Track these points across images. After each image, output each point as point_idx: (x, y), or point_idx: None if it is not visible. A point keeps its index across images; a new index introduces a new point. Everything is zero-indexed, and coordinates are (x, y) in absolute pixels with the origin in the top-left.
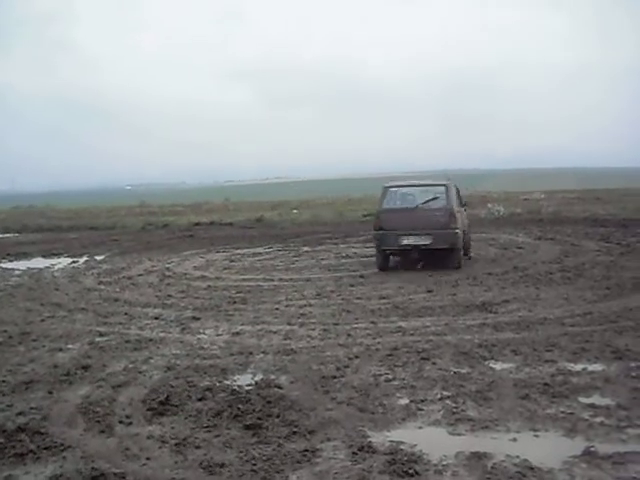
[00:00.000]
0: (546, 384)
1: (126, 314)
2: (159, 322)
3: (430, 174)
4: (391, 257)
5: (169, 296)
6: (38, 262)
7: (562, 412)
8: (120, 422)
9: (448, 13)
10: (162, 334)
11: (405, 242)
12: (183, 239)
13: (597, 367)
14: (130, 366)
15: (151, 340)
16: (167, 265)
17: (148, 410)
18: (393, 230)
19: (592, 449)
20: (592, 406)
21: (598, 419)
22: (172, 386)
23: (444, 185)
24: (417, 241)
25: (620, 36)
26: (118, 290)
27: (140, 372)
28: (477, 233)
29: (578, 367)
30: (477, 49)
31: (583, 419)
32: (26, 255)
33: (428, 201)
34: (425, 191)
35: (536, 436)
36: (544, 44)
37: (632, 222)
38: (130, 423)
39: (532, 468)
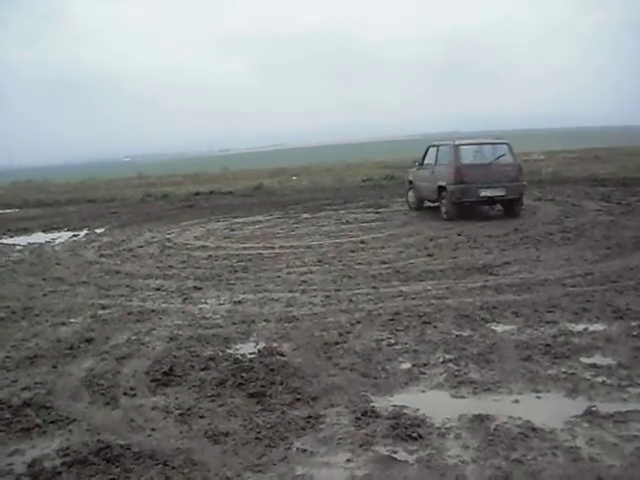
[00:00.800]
0: (548, 345)
1: (128, 286)
2: (161, 293)
3: (431, 137)
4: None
5: (170, 267)
6: (39, 237)
7: (564, 373)
8: (124, 394)
9: None
10: (164, 305)
11: (484, 194)
12: (183, 209)
13: (598, 327)
14: (133, 338)
15: (153, 311)
16: (167, 236)
17: (152, 381)
18: (473, 183)
19: (594, 409)
20: (593, 366)
21: (599, 379)
22: (175, 357)
23: (506, 144)
24: (494, 192)
25: None
26: (119, 262)
27: (143, 344)
28: None
29: (579, 327)
30: (463, 8)
31: (585, 379)
32: (26, 230)
33: (499, 157)
34: (490, 149)
35: (538, 397)
36: (526, 3)
37: (632, 181)
38: (134, 395)
39: (534, 429)
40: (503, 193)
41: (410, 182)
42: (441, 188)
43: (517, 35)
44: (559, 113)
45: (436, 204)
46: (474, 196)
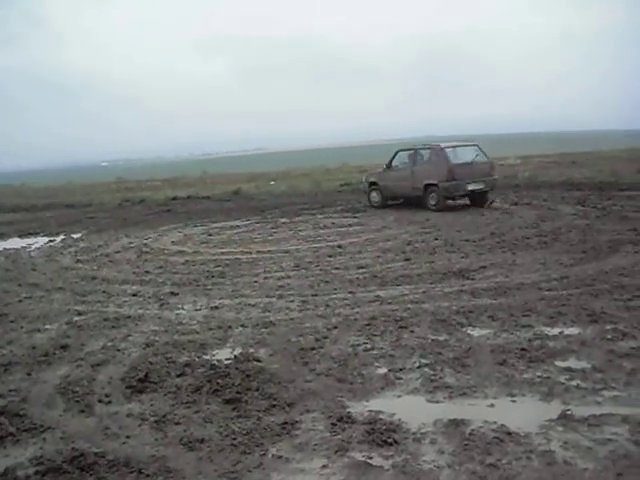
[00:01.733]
0: (523, 349)
1: (104, 292)
2: (137, 299)
3: (411, 141)
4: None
5: (147, 272)
6: (14, 242)
7: (539, 376)
8: (99, 401)
9: None
10: (140, 311)
11: (470, 187)
12: (160, 214)
13: (573, 330)
14: (109, 344)
15: (129, 317)
16: (144, 241)
17: (127, 388)
18: (462, 179)
19: (568, 412)
20: (568, 370)
21: (574, 382)
22: (151, 363)
23: (477, 145)
24: (476, 186)
25: (593, 5)
26: (96, 268)
27: (119, 350)
28: (453, 199)
29: (555, 331)
30: (448, 15)
31: (559, 383)
32: (2, 235)
33: (476, 156)
34: (465, 150)
35: (513, 401)
36: (516, 10)
37: (607, 185)
38: (109, 402)
39: (509, 433)
40: (483, 186)
41: (373, 183)
42: (428, 185)
43: (501, 41)
44: (546, 117)
45: (400, 201)
46: (462, 190)
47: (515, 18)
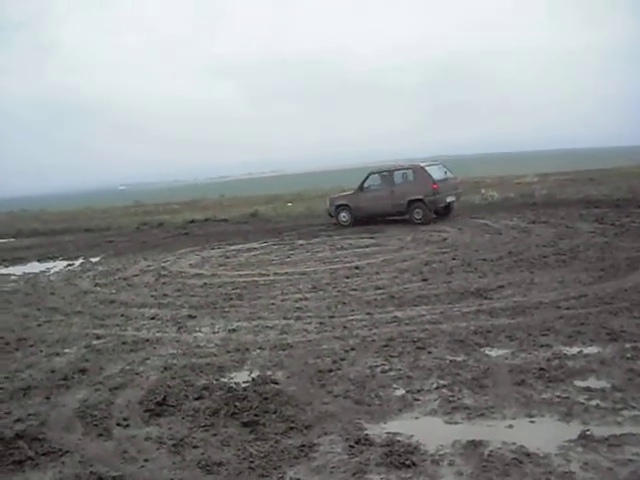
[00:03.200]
0: (542, 369)
1: (122, 315)
2: (155, 322)
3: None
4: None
5: (165, 295)
6: (34, 266)
7: (558, 396)
8: (118, 425)
9: (429, 2)
10: (158, 334)
11: (448, 199)
12: (178, 237)
13: (592, 349)
14: (127, 368)
15: (147, 340)
16: (162, 264)
17: (145, 411)
18: (442, 193)
19: (588, 433)
20: (588, 389)
21: (594, 402)
22: (169, 386)
23: (441, 164)
24: (450, 199)
25: (603, 21)
26: (114, 291)
27: (137, 373)
28: (471, 219)
29: (574, 350)
30: (461, 36)
31: (579, 403)
32: (22, 260)
33: (446, 173)
34: (438, 168)
35: (532, 422)
36: (527, 29)
37: (626, 202)
38: (128, 425)
39: (528, 454)
40: (454, 199)
41: (343, 205)
42: (413, 201)
43: (513, 60)
44: (560, 135)
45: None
46: (443, 202)
47: (528, 36)
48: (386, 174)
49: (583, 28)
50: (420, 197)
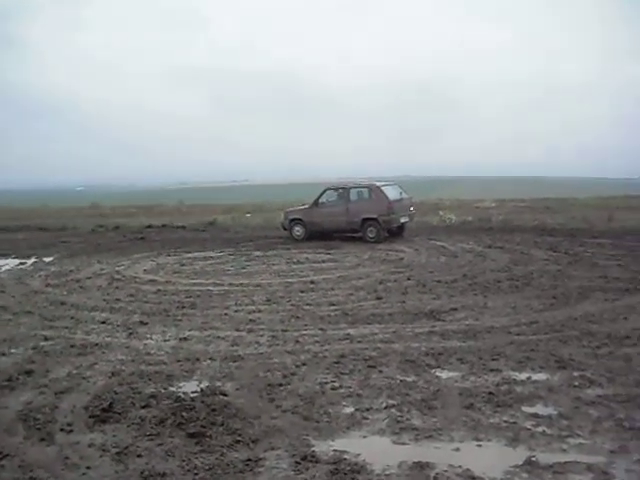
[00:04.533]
0: (491, 393)
1: (72, 318)
2: (106, 326)
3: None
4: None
5: (117, 300)
6: None
7: (505, 421)
8: (61, 430)
9: (399, 25)
10: (108, 339)
11: (401, 220)
12: (134, 242)
13: (541, 376)
14: (74, 372)
15: (97, 345)
16: (117, 268)
17: (90, 417)
18: (397, 213)
19: (533, 459)
20: (535, 415)
21: (540, 429)
22: (116, 393)
23: (397, 185)
24: (404, 219)
25: (566, 53)
26: (65, 293)
27: (84, 378)
28: (428, 240)
29: (523, 376)
30: (427, 61)
31: (526, 428)
32: None
33: (401, 193)
34: (393, 188)
35: (479, 445)
36: (492, 58)
37: (580, 232)
38: (71, 431)
39: (474, 478)
40: (408, 219)
41: (297, 219)
42: (367, 220)
43: (476, 91)
44: (525, 162)
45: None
46: (397, 223)
47: (500, 68)
48: (342, 191)
49: (550, 59)
50: (374, 216)
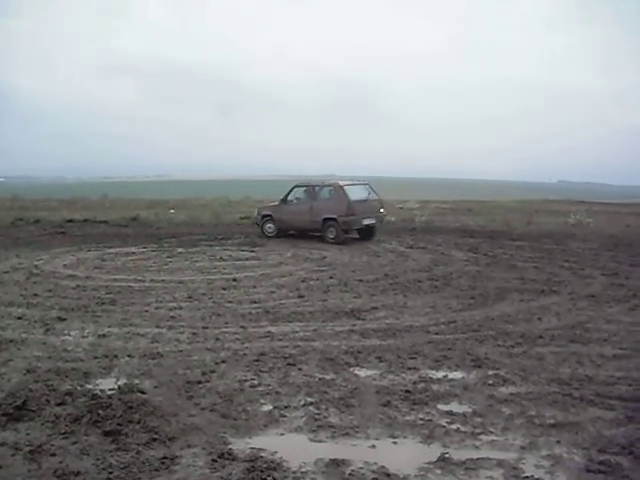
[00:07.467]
0: (407, 391)
1: None
2: (22, 322)
3: (318, 179)
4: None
5: (35, 295)
6: None
7: (421, 419)
8: None
9: (336, 19)
10: (24, 335)
11: (365, 222)
12: (54, 236)
13: (457, 375)
14: None
15: (12, 341)
16: (35, 263)
17: (3, 415)
18: (359, 215)
19: (447, 455)
20: (450, 413)
21: (454, 426)
22: (31, 390)
23: (368, 184)
24: (369, 221)
25: (512, 55)
26: None
27: None
28: (351, 239)
29: (439, 374)
30: (362, 59)
31: (440, 426)
32: None
33: (369, 194)
34: (360, 188)
35: (394, 443)
36: (429, 59)
37: (499, 234)
38: None
39: (389, 475)
40: (374, 221)
41: (267, 216)
42: (327, 220)
43: (419, 87)
44: (455, 165)
45: (292, 232)
46: (359, 224)
47: (438, 66)
48: (308, 189)
49: (498, 62)
50: (334, 216)
